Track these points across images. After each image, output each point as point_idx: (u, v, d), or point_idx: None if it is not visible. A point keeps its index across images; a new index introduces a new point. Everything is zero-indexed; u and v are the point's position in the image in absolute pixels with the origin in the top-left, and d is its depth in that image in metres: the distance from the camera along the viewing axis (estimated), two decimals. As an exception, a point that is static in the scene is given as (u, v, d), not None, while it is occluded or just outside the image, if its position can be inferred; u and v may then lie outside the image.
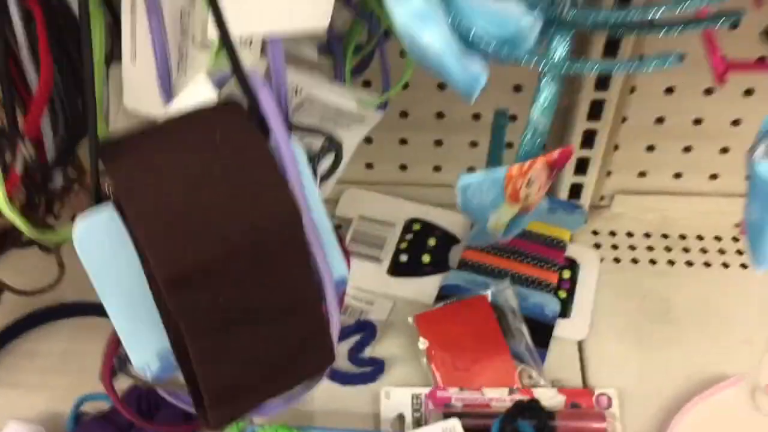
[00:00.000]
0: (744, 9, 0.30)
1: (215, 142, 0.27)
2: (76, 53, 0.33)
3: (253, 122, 0.28)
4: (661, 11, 0.29)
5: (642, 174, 0.60)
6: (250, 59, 0.29)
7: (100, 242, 0.27)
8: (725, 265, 0.58)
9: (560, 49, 0.31)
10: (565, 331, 0.54)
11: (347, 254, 0.31)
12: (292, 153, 0.28)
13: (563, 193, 0.60)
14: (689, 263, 0.58)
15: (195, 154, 0.26)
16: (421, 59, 0.29)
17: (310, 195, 0.28)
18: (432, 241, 0.59)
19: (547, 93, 0.31)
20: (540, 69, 0.30)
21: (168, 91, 0.30)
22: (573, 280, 0.56)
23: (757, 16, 0.43)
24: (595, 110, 0.53)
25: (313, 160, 0.33)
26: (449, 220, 0.60)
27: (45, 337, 0.54)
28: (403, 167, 0.61)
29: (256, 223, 0.26)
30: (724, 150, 0.57)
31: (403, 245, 0.59)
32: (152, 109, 0.32)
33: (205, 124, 0.27)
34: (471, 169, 0.61)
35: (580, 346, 0.53)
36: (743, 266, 0.57)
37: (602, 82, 0.51)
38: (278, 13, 0.29)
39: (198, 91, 0.29)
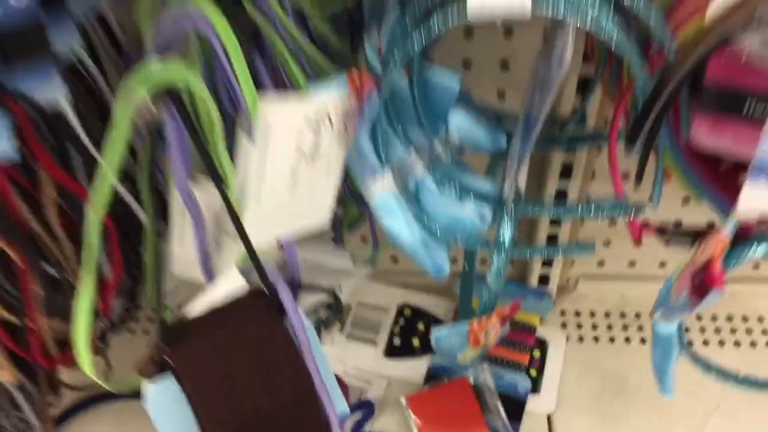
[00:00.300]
0: (645, 204, 0.39)
1: (245, 328, 0.36)
2: (134, 236, 0.42)
3: (273, 305, 0.37)
4: (582, 212, 0.38)
5: (601, 263, 0.69)
6: (270, 254, 0.39)
7: (164, 401, 0.36)
8: (674, 342, 0.67)
9: (507, 233, 0.40)
10: (535, 405, 0.63)
11: (346, 391, 0.41)
12: (304, 328, 0.37)
13: (533, 280, 0.69)
14: (643, 340, 0.67)
15: (231, 340, 0.36)
16: (401, 248, 0.39)
17: (319, 358, 0.38)
18: (421, 326, 0.68)
19: (497, 264, 0.41)
20: (491, 253, 0.40)
21: (208, 273, 0.40)
22: (542, 359, 0.66)
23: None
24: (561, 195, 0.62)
25: (318, 310, 0.43)
26: (435, 305, 0.70)
27: (93, 420, 0.63)
28: (395, 259, 0.71)
29: (280, 393, 0.35)
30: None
31: (397, 329, 0.68)
32: (195, 276, 0.42)
33: (237, 313, 0.37)
34: (453, 262, 0.70)
35: (549, 419, 0.62)
36: (689, 343, 0.67)
37: (560, 196, 0.60)
38: (289, 221, 0.38)
39: (231, 280, 0.38)
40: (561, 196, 0.59)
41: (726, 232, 0.35)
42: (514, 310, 0.41)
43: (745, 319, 0.68)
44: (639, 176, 0.36)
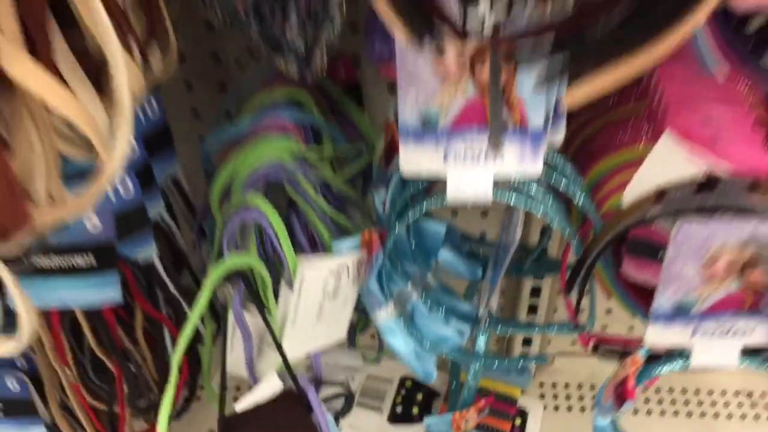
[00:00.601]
0: (585, 326, 0.51)
1: (281, 422, 0.48)
2: (194, 344, 0.55)
3: (303, 404, 0.50)
4: (538, 330, 0.50)
5: (574, 342, 0.81)
6: (301, 362, 0.51)
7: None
8: (635, 412, 0.78)
9: (481, 345, 0.52)
10: (515, 467, 0.74)
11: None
12: (327, 422, 0.49)
13: (515, 356, 0.81)
14: (609, 410, 0.79)
15: (271, 429, 0.48)
16: (398, 357, 0.51)
17: (337, 444, 0.50)
18: (420, 396, 0.80)
19: (474, 368, 0.53)
20: (468, 363, 0.52)
21: (253, 376, 0.52)
22: (522, 427, 0.77)
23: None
24: (532, 310, 0.74)
25: (334, 400, 0.55)
26: (432, 378, 0.82)
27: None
28: (398, 336, 0.83)
29: (308, 472, 0.47)
30: (631, 327, 0.78)
31: (399, 399, 0.80)
32: (241, 374, 0.54)
33: (275, 409, 0.49)
34: (448, 340, 0.82)
35: (527, 479, 0.74)
36: (648, 413, 0.78)
37: (535, 292, 0.73)
38: (315, 339, 0.51)
39: (271, 383, 0.50)
40: (536, 292, 0.72)
41: (640, 355, 0.47)
42: (487, 403, 0.53)
43: (697, 392, 0.80)
44: (575, 313, 0.48)
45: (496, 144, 0.37)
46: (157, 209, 0.48)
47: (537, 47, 0.30)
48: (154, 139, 0.49)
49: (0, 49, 0.26)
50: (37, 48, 0.29)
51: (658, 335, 0.45)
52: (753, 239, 0.39)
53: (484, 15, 0.30)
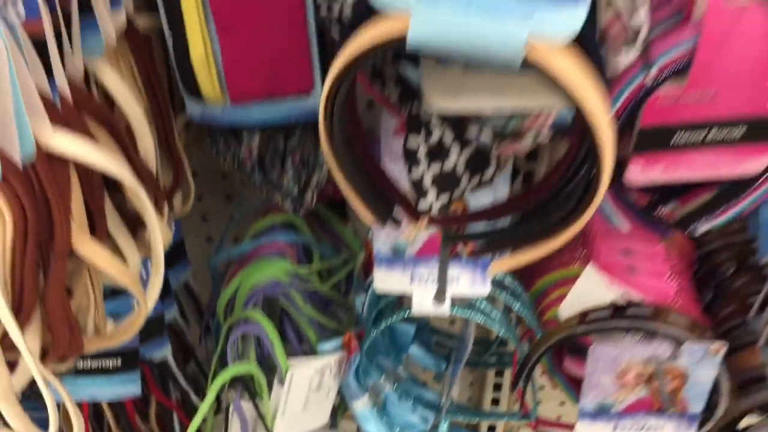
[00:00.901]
0: (531, 414, 0.61)
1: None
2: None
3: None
4: (494, 417, 0.60)
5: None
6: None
7: None
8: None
9: (444, 429, 0.61)
10: None
11: None
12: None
13: (483, 429, 0.90)
14: (567, 479, 0.87)
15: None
16: (373, 442, 0.60)
17: None
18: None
19: (438, 450, 0.62)
20: (432, 445, 0.61)
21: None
22: (489, 493, 0.86)
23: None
24: (497, 388, 0.83)
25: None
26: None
27: None
28: (378, 407, 0.92)
29: None
30: (587, 404, 0.87)
31: (378, 466, 0.88)
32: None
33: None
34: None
35: None
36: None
37: (500, 373, 0.82)
38: (302, 425, 0.60)
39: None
40: (500, 373, 0.81)
41: (574, 444, 0.56)
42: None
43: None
44: (521, 406, 0.58)
45: (441, 299, 0.47)
46: (172, 314, 0.58)
47: (472, 230, 0.40)
48: (171, 255, 0.59)
49: (74, 235, 0.36)
50: (96, 224, 0.39)
51: (585, 430, 0.54)
52: (654, 358, 0.49)
53: (432, 203, 0.40)
